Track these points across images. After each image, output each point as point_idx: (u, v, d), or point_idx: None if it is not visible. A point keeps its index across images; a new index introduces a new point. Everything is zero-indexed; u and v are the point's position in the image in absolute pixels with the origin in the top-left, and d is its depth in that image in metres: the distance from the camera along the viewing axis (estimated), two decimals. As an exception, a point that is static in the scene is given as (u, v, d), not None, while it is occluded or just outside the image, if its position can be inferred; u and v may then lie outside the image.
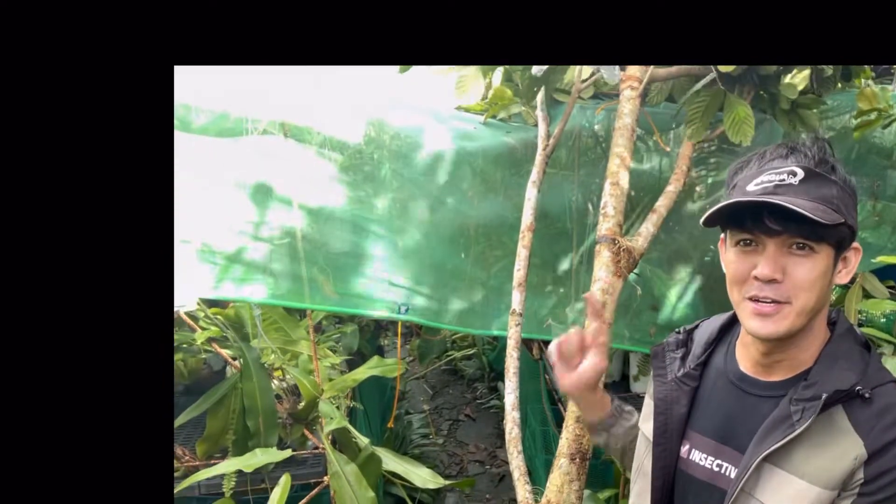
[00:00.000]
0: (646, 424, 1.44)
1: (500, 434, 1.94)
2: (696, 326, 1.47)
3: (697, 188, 2.80)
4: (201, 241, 2.80)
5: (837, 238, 1.16)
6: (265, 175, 2.83)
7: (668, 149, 2.58)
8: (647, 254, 2.11)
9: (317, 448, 3.29)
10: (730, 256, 1.23)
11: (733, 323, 1.41)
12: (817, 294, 1.16)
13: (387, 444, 4.08)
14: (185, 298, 3.23)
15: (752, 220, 1.15)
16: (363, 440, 2.97)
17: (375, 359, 3.32)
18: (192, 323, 3.41)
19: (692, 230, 2.60)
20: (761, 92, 2.42)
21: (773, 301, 1.16)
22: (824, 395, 1.15)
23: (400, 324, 4.06)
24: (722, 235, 1.28)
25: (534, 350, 3.88)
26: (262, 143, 2.87)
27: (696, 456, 1.33)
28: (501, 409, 5.84)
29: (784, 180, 1.14)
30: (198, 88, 2.85)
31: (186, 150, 2.75)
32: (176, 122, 2.99)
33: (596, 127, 2.80)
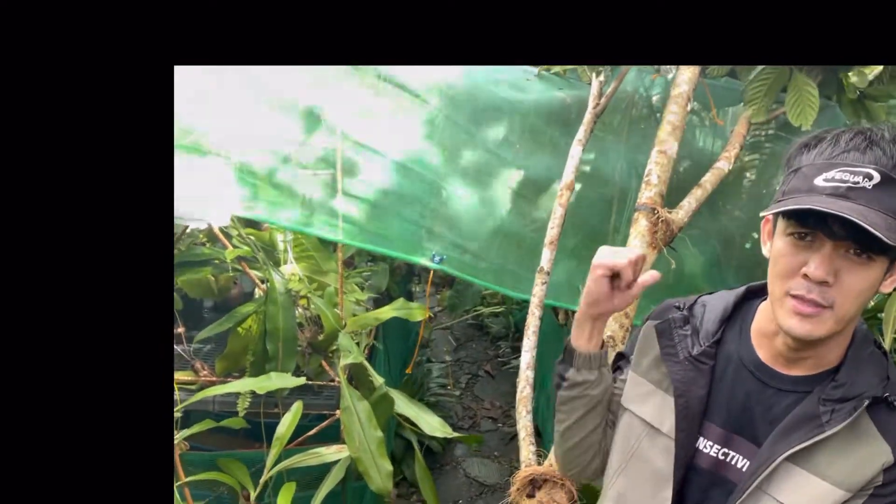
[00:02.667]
0: (641, 407, 1.35)
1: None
2: (695, 302, 1.37)
3: (748, 173, 2.70)
4: (240, 159, 2.79)
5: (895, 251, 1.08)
6: (316, 101, 2.81)
7: (721, 122, 2.48)
8: (687, 230, 2.05)
9: (332, 381, 3.32)
10: (780, 246, 1.14)
11: (745, 303, 1.33)
12: (861, 302, 1.10)
13: (404, 389, 4.11)
14: (219, 214, 3.26)
15: (816, 220, 1.06)
16: (378, 379, 2.98)
17: (401, 301, 3.30)
18: (224, 240, 3.43)
19: (737, 213, 2.52)
20: (828, 77, 2.32)
21: (817, 304, 1.09)
22: (866, 401, 1.11)
23: (432, 272, 4.04)
24: (766, 216, 1.19)
25: (560, 314, 3.84)
26: (318, 70, 2.83)
27: (702, 443, 1.26)
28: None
29: (858, 183, 1.05)
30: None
31: (242, 70, 2.74)
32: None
33: (654, 98, 2.71)
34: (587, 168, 2.68)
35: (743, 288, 1.35)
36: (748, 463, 1.21)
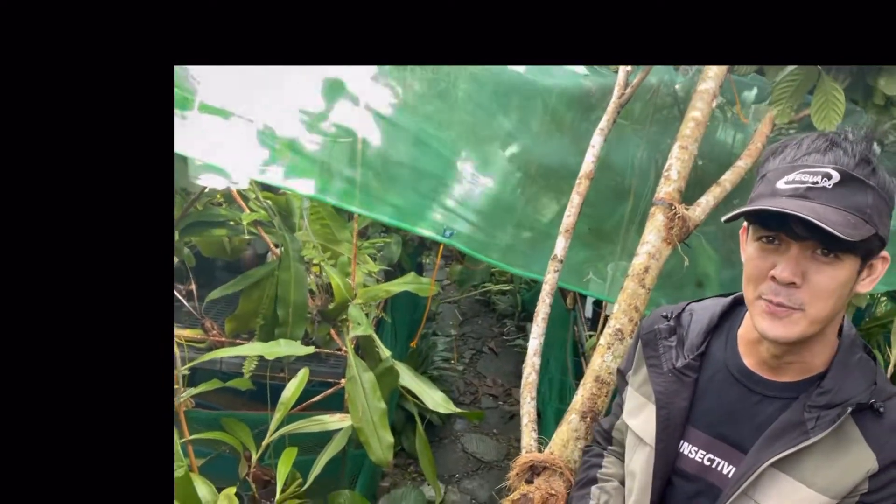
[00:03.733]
0: (634, 420, 1.36)
1: (519, 374, 1.93)
2: (683, 310, 1.38)
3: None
4: (263, 122, 2.79)
5: (865, 248, 1.08)
6: (340, 72, 2.79)
7: (746, 121, 2.46)
8: (704, 226, 2.04)
9: (339, 350, 3.34)
10: (750, 251, 1.15)
11: (732, 311, 1.34)
12: (834, 303, 1.10)
13: (408, 361, 4.13)
14: (238, 176, 3.27)
15: (777, 222, 1.07)
16: (385, 351, 3.00)
17: (411, 275, 3.32)
18: (242, 202, 3.44)
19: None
20: (856, 82, 2.29)
21: (785, 306, 1.10)
22: (850, 408, 1.11)
23: (442, 246, 4.05)
24: (745, 224, 1.20)
25: (568, 299, 3.84)
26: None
27: (686, 448, 1.27)
28: (525, 349, 5.87)
29: (817, 183, 1.06)
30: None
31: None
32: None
33: (676, 86, 2.68)
34: (607, 157, 2.66)
35: (731, 297, 1.35)
36: (734, 469, 1.21)
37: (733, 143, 2.58)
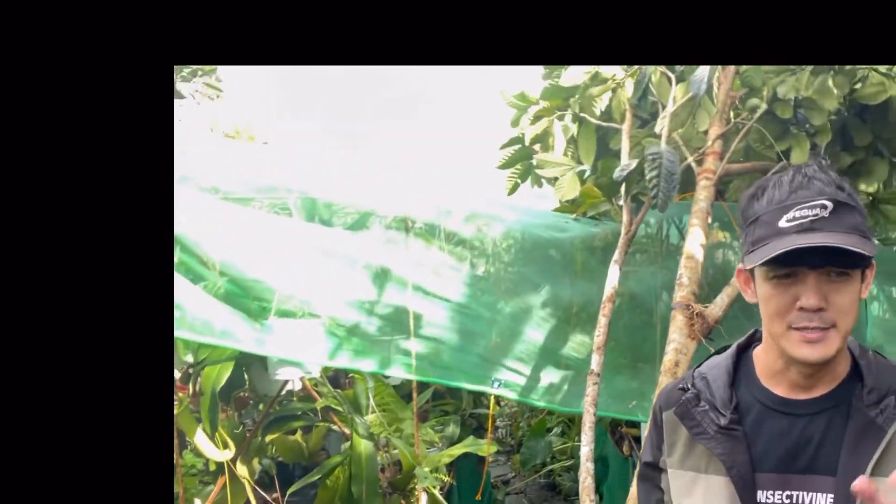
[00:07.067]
0: (689, 498, 1.28)
1: None
2: (693, 378, 1.33)
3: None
4: (328, 316, 2.96)
5: (867, 261, 1.14)
6: (387, 261, 2.99)
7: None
8: (725, 321, 2.07)
9: (413, 521, 3.26)
10: (767, 291, 1.16)
11: (740, 359, 1.32)
12: (854, 314, 1.14)
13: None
14: (311, 366, 3.39)
15: (793, 258, 1.11)
16: (452, 510, 2.93)
17: (470, 438, 3.32)
18: (314, 393, 3.54)
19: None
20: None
21: (820, 328, 1.12)
22: None
23: (492, 407, 4.04)
24: (741, 268, 1.22)
25: (623, 447, 3.72)
26: (387, 234, 3.07)
27: (763, 496, 1.22)
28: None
29: (818, 215, 1.11)
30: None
31: (326, 241, 2.99)
32: (318, 219, 3.27)
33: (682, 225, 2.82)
34: (630, 294, 2.76)
35: (733, 348, 1.34)
36: (816, 494, 1.17)
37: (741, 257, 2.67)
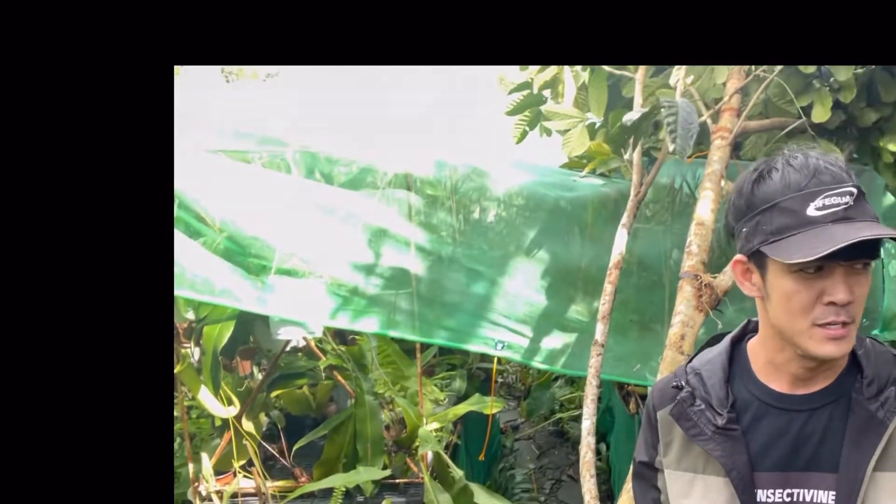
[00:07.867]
0: (687, 500, 1.21)
1: (602, 497, 1.77)
2: (686, 375, 1.24)
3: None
4: (330, 275, 2.87)
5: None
6: (388, 220, 2.88)
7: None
8: (737, 295, 1.94)
9: (417, 478, 3.23)
10: (788, 286, 1.05)
11: (735, 352, 1.23)
12: (864, 305, 1.06)
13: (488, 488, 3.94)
14: (313, 325, 3.32)
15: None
16: (458, 471, 2.88)
17: (476, 396, 3.27)
18: (318, 352, 3.48)
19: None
20: (863, 146, 2.25)
21: (846, 324, 1.03)
22: None
23: (495, 367, 4.00)
24: (740, 258, 1.10)
25: (630, 405, 3.65)
26: (389, 194, 2.94)
27: (763, 495, 1.15)
28: (605, 470, 5.48)
29: (848, 202, 1.01)
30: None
31: (328, 198, 2.87)
32: (320, 175, 3.14)
33: (687, 178, 2.67)
34: (639, 256, 2.64)
35: (727, 341, 1.24)
36: (818, 491, 1.11)
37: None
